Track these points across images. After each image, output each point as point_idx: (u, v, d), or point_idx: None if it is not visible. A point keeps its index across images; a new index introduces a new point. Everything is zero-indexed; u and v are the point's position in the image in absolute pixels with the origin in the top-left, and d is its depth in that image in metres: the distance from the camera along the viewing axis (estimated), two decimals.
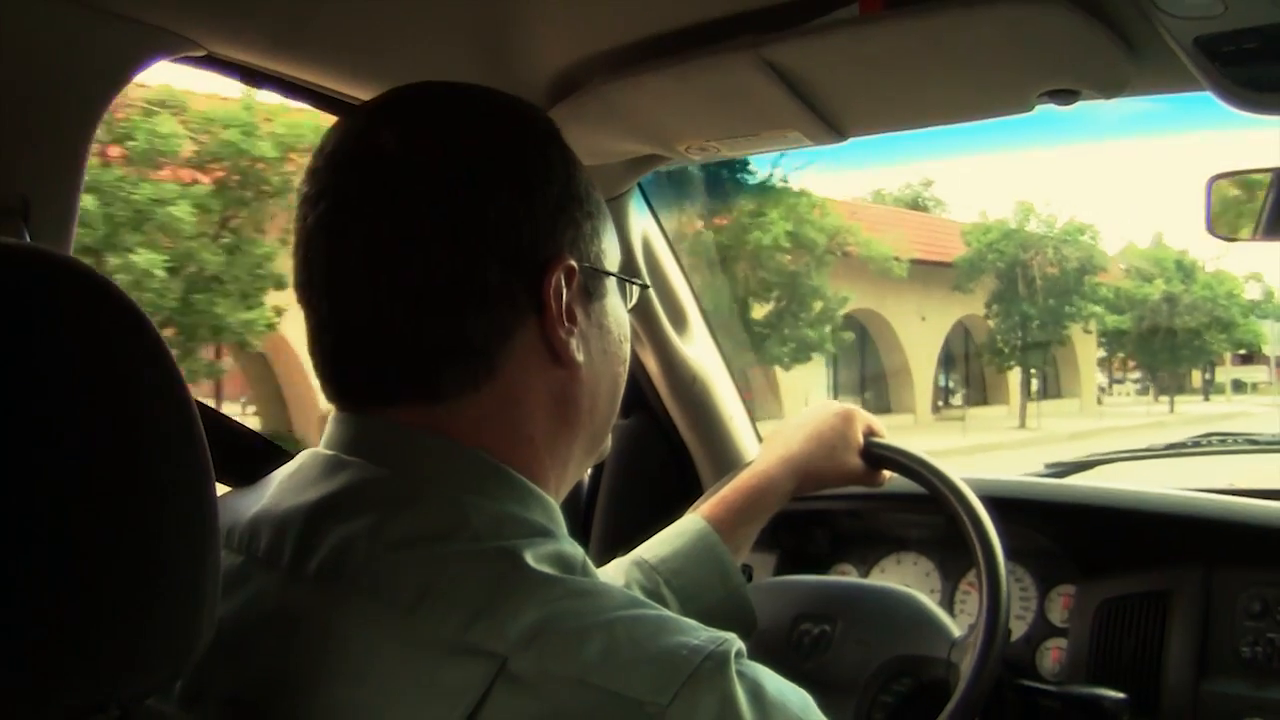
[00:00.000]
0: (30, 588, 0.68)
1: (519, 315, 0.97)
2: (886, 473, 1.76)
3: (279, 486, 1.02)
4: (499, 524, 0.92)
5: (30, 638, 0.69)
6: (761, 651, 0.90)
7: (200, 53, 1.43)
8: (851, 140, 1.73)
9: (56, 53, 1.29)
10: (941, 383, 30.78)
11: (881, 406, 25.73)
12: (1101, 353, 35.88)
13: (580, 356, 1.01)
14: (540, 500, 0.98)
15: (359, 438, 0.98)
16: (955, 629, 1.65)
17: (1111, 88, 1.51)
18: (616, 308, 1.09)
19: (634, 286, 1.15)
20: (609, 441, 1.15)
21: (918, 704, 1.62)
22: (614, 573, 1.52)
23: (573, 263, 0.99)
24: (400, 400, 0.97)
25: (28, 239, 1.24)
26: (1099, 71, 1.47)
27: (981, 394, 31.97)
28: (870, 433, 1.75)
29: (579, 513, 2.36)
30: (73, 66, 1.32)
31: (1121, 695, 1.74)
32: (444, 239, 0.94)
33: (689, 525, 1.59)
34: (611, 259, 1.07)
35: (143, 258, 10.81)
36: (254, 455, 1.19)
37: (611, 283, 1.07)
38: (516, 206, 0.97)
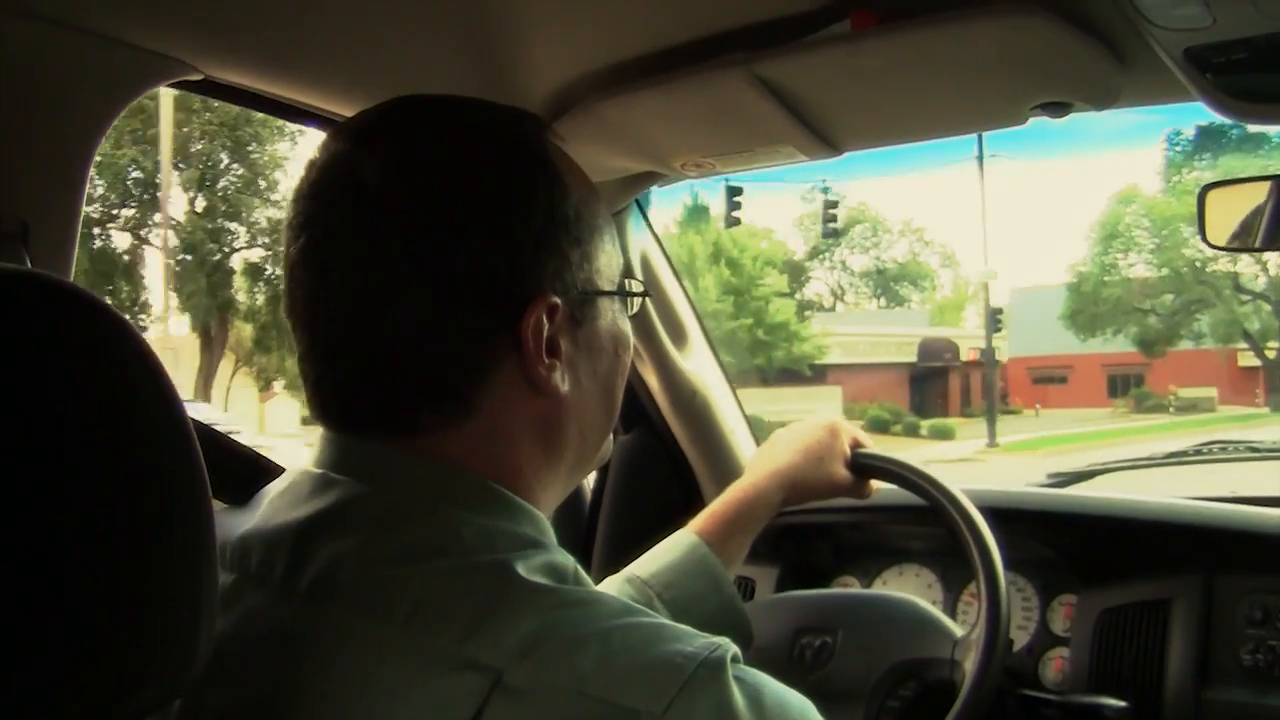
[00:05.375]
0: (26, 607, 0.69)
1: (496, 355, 0.96)
2: (875, 484, 1.77)
3: (270, 504, 1.02)
4: (489, 538, 0.92)
5: (27, 657, 0.69)
6: (764, 668, 0.90)
7: (198, 77, 1.44)
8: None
9: (56, 78, 1.30)
10: None
11: None
12: None
13: (565, 387, 1.00)
14: (529, 514, 0.98)
15: (346, 457, 0.98)
16: (957, 629, 1.66)
17: (1104, 99, 1.52)
18: (612, 324, 1.07)
19: (635, 293, 1.13)
20: (608, 449, 1.15)
21: (924, 707, 1.62)
22: (607, 590, 1.52)
23: (555, 299, 0.97)
24: (382, 430, 0.97)
25: (28, 263, 1.25)
26: (1091, 84, 1.48)
27: None
28: (856, 444, 1.76)
29: (581, 528, 2.37)
30: (73, 92, 1.32)
31: (1124, 704, 1.74)
32: (418, 280, 0.94)
33: (680, 540, 1.60)
34: (608, 276, 1.06)
35: None
36: (251, 473, 1.19)
37: (606, 300, 1.06)
38: (493, 246, 0.95)
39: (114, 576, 0.72)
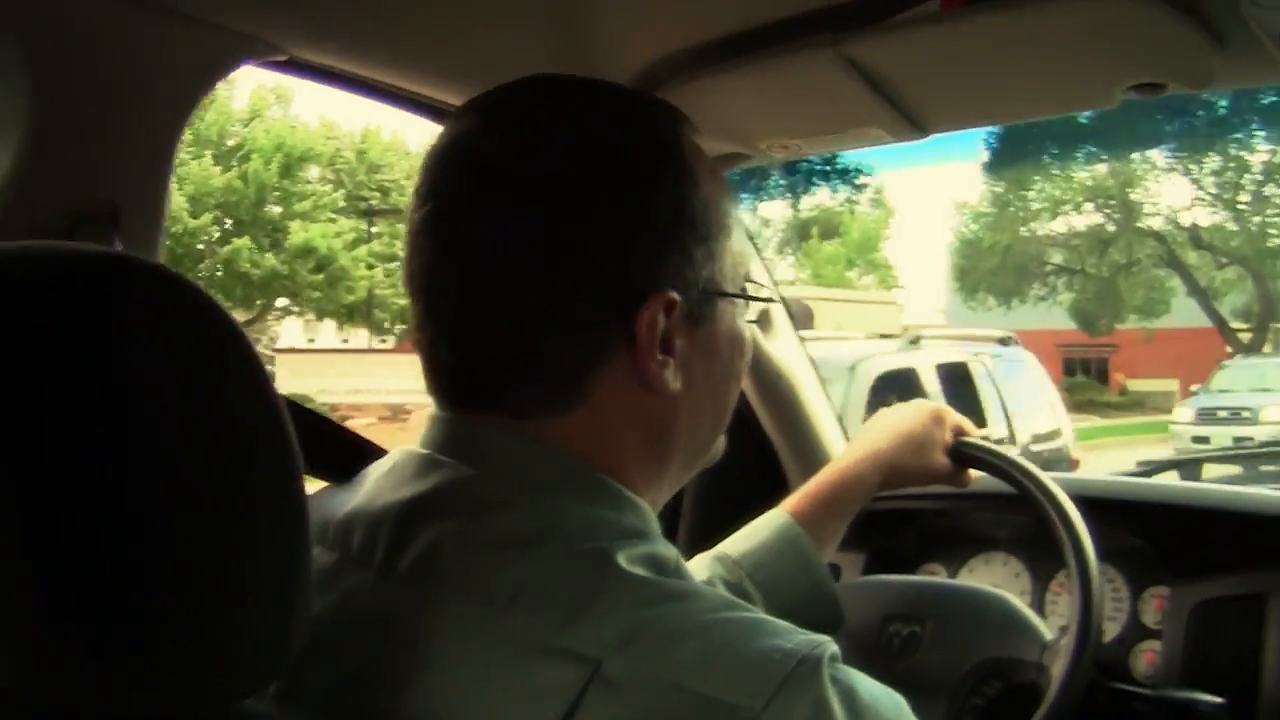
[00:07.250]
0: (120, 588, 0.69)
1: (609, 346, 0.95)
2: (973, 473, 1.75)
3: (373, 484, 1.02)
4: (591, 526, 0.91)
5: (120, 638, 0.70)
6: (852, 652, 0.89)
7: (283, 57, 1.45)
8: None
9: (143, 59, 1.31)
10: None
11: None
12: None
13: (677, 385, 0.98)
14: (633, 504, 0.97)
15: (453, 439, 0.98)
16: (1047, 632, 1.63)
17: (1199, 81, 1.48)
18: (731, 326, 1.05)
19: (759, 298, 1.12)
20: (718, 449, 1.14)
21: (1008, 707, 1.59)
22: (697, 568, 1.51)
23: (674, 295, 0.96)
24: (490, 409, 0.97)
25: (118, 245, 1.27)
26: (1186, 65, 1.44)
27: None
28: (960, 432, 1.74)
29: (667, 512, 2.36)
30: (159, 73, 1.33)
31: (1219, 700, 1.70)
32: (537, 261, 0.93)
33: (773, 519, 1.58)
34: (732, 278, 1.04)
35: None
36: (349, 453, 1.19)
37: (726, 302, 1.04)
38: (616, 236, 0.94)
39: (201, 559, 0.73)
